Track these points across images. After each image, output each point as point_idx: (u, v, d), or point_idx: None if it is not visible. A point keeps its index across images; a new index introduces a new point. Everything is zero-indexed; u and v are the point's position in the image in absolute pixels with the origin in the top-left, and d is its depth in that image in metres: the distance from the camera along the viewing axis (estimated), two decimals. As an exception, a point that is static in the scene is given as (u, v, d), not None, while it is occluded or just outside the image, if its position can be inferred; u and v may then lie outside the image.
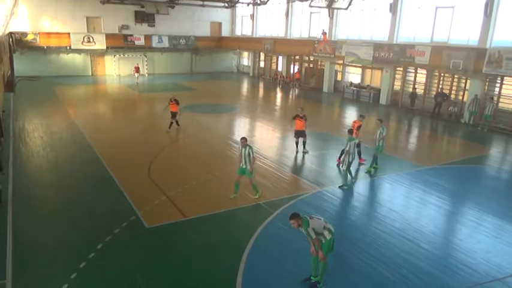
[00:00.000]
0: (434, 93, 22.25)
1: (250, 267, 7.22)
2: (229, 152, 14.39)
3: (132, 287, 6.72)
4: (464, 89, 21.23)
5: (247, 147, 9.75)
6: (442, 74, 22.05)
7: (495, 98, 19.54)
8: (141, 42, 36.25)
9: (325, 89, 30.34)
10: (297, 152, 14.12)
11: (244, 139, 9.87)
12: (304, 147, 14.17)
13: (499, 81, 19.59)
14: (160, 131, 16.88)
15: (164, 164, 12.88)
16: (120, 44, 35.55)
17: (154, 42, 36.85)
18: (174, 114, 16.72)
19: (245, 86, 34.65)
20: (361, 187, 11.58)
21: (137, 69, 32.17)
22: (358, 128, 12.98)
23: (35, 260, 7.37)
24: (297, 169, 12.66)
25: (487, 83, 20.04)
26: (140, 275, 7.02)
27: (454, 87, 21.80)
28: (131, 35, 35.87)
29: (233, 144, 15.11)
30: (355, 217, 9.54)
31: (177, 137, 16.42)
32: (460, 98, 21.42)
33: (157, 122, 18.81)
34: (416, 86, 23.67)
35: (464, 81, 21.29)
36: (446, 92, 21.68)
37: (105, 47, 34.68)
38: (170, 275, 7.04)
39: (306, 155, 14.02)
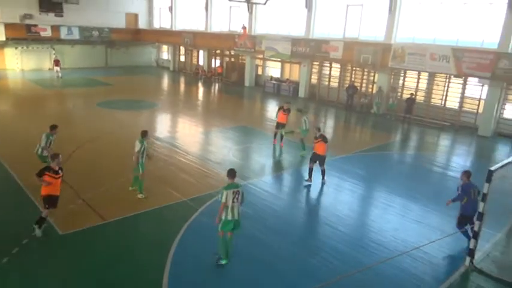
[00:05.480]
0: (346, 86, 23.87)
1: (176, 265, 7.10)
2: (152, 150, 13.86)
3: (46, 300, 6.22)
4: (373, 82, 23.08)
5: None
6: (354, 68, 23.68)
7: (399, 90, 21.57)
8: (47, 33, 33.23)
9: (246, 83, 30.75)
10: None
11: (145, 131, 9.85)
12: None
13: (403, 75, 21.66)
14: (75, 129, 15.69)
15: (79, 166, 11.99)
16: (23, 35, 32.20)
17: (63, 34, 34.07)
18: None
19: (165, 81, 33.71)
20: (285, 178, 11.99)
21: (57, 63, 29.65)
22: None
23: None
24: (221, 163, 12.69)
25: (392, 76, 22.01)
26: (56, 284, 6.51)
27: (364, 81, 23.56)
28: (35, 25, 32.69)
29: (156, 142, 14.64)
30: (278, 207, 9.86)
31: (93, 136, 15.39)
32: (370, 90, 23.24)
33: (71, 120, 17.47)
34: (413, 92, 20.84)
35: (373, 74, 23.12)
36: (358, 85, 23.38)
37: (4, 38, 31.19)
38: (91, 279, 6.65)
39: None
